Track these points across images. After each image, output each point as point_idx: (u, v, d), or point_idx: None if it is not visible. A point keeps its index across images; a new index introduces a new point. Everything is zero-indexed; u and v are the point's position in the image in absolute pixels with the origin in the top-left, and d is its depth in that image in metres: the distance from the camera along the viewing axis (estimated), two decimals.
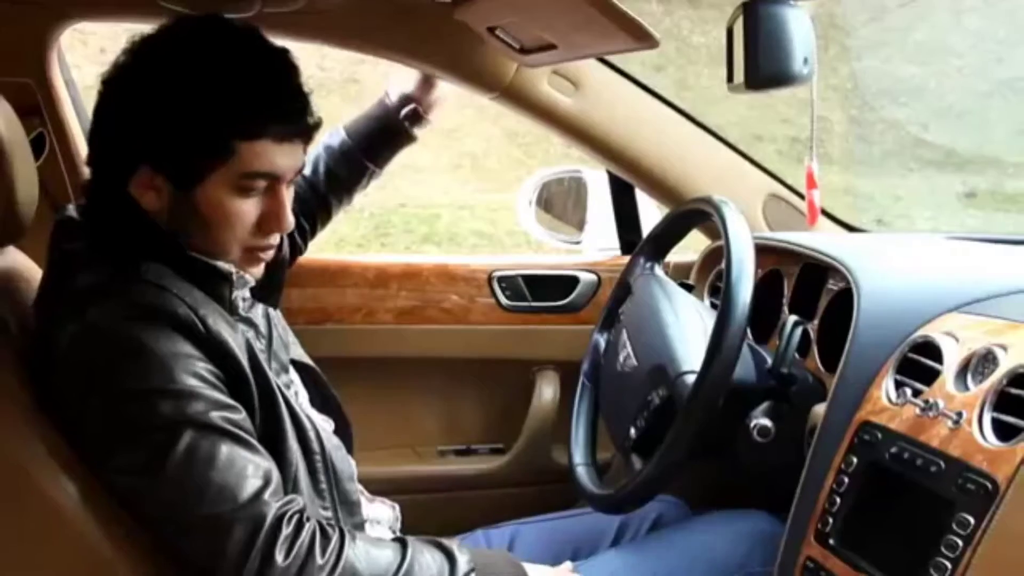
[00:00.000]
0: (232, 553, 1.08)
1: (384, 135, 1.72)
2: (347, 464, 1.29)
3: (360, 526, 1.29)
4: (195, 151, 1.16)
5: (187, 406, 1.09)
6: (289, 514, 1.12)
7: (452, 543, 1.24)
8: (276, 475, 1.15)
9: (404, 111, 1.72)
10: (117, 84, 1.20)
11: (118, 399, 1.10)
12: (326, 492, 1.26)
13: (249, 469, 1.11)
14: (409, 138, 1.73)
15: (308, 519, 1.14)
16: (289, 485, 1.20)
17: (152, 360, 1.10)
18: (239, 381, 1.16)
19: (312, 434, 1.25)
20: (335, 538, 1.14)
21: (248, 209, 1.20)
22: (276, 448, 1.19)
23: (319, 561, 1.11)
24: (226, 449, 1.10)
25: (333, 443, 1.28)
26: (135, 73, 1.19)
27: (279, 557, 1.09)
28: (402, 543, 1.20)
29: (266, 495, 1.11)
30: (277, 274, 1.34)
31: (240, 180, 1.18)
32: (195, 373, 1.11)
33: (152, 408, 1.09)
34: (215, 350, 1.14)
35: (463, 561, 1.21)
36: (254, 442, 1.15)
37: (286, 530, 1.10)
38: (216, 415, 1.11)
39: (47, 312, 1.19)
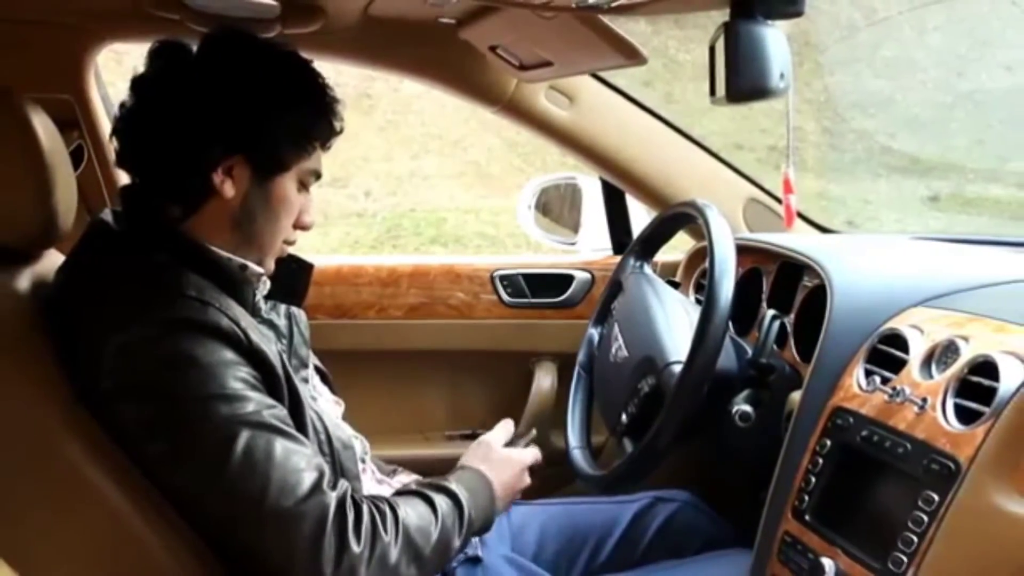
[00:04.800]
0: (304, 547, 1.06)
1: None
2: (354, 465, 1.28)
3: None
4: (288, 145, 1.21)
5: (240, 407, 1.08)
6: (347, 499, 1.10)
7: (447, 480, 1.27)
8: (326, 464, 1.14)
9: None
10: (192, 85, 1.19)
11: (174, 407, 1.08)
12: None
13: (303, 462, 1.10)
14: None
15: (360, 499, 1.13)
16: None
17: (202, 368, 1.08)
18: (275, 387, 1.15)
19: (324, 436, 1.23)
20: (387, 509, 1.14)
21: (298, 204, 1.25)
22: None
23: (386, 537, 1.11)
24: (280, 445, 1.09)
25: (343, 442, 1.27)
26: (214, 75, 1.19)
27: (353, 545, 1.08)
28: (419, 495, 1.21)
29: (324, 485, 1.09)
30: (301, 278, 1.35)
31: (306, 176, 1.25)
32: (241, 378, 1.10)
33: (207, 412, 1.07)
34: (255, 359, 1.13)
35: (463, 496, 1.24)
36: (301, 436, 1.14)
37: (350, 516, 1.09)
38: (267, 413, 1.10)
39: (87, 315, 1.15)
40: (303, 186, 1.25)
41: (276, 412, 1.12)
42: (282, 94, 1.21)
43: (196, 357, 1.08)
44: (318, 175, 1.27)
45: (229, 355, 1.10)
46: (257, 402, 1.10)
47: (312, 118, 1.22)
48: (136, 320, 1.10)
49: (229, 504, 1.09)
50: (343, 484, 1.14)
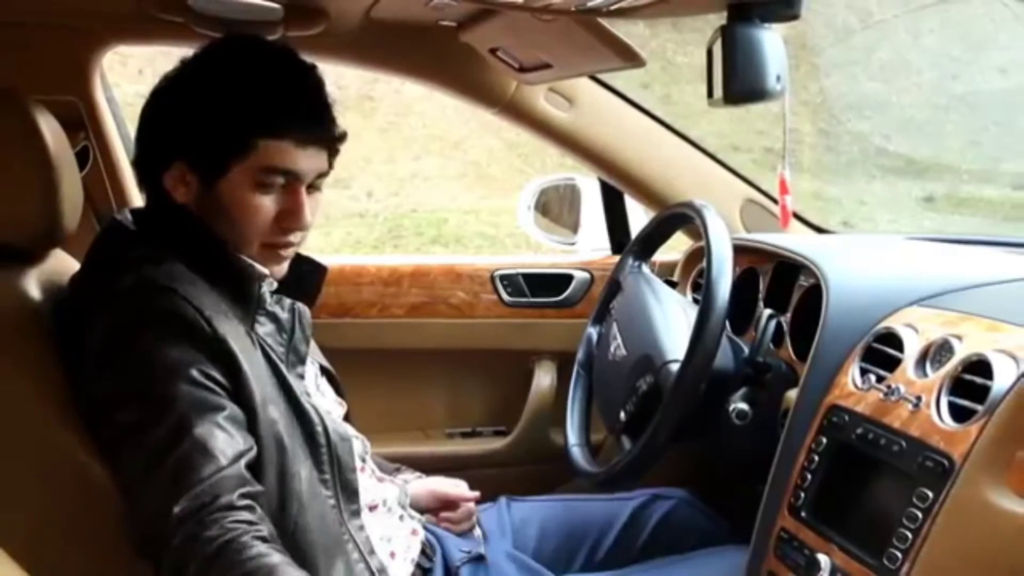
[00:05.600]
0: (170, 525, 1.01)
1: None
2: (351, 457, 1.26)
3: (357, 513, 1.25)
4: (220, 146, 1.17)
5: (176, 410, 1.06)
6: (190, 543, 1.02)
7: None
8: (221, 486, 1.05)
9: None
10: (162, 92, 1.23)
11: (119, 400, 1.09)
12: (330, 482, 1.22)
13: (190, 486, 1.03)
14: None
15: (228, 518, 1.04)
16: (293, 476, 1.16)
17: (155, 365, 1.08)
18: (239, 382, 1.13)
19: (320, 428, 1.21)
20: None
21: (266, 204, 1.20)
22: (280, 441, 1.15)
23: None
24: (183, 453, 1.04)
25: (340, 435, 1.25)
26: (177, 81, 1.22)
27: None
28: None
29: (179, 518, 1.02)
30: (312, 279, 1.34)
31: (259, 175, 1.18)
32: (191, 379, 1.08)
33: (143, 410, 1.07)
34: (218, 351, 1.11)
35: None
36: (232, 440, 1.08)
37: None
38: (201, 418, 1.07)
39: (84, 308, 1.16)
40: (263, 186, 1.19)
41: (215, 417, 1.08)
42: (210, 95, 1.18)
43: (150, 353, 1.09)
44: (288, 173, 1.19)
45: (186, 354, 1.09)
46: (197, 405, 1.07)
47: (244, 114, 1.17)
48: (109, 311, 1.12)
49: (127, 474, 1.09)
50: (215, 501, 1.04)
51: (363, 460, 1.34)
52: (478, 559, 1.40)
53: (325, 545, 1.17)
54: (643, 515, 1.56)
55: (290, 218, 1.21)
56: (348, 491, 1.24)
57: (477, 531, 1.48)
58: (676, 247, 1.93)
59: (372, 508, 1.31)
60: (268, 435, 1.15)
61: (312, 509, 1.17)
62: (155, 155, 1.22)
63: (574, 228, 2.19)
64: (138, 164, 1.27)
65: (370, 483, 1.34)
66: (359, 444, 1.33)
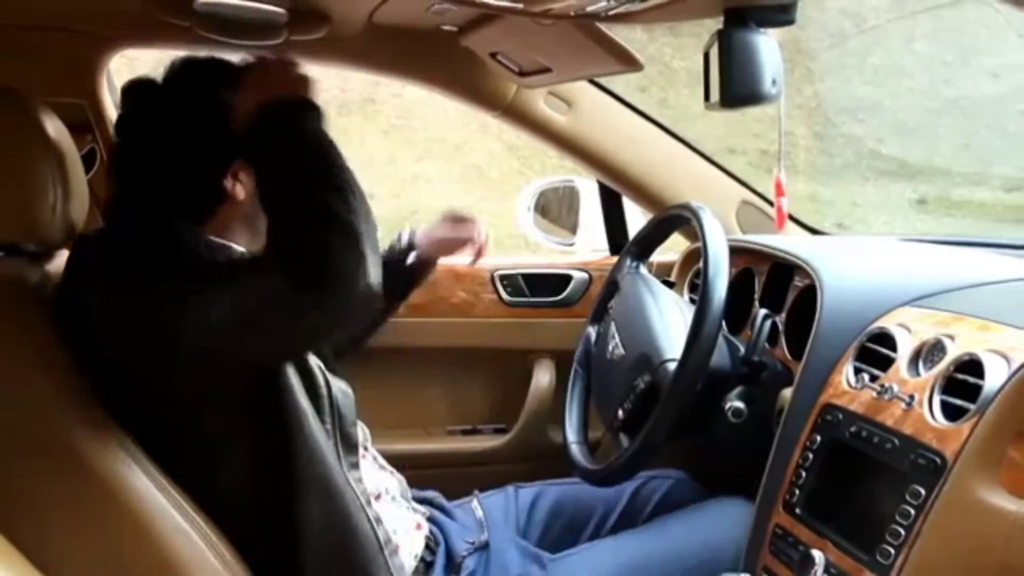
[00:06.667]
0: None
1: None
2: (351, 411, 1.28)
3: (356, 465, 1.28)
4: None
5: (233, 306, 1.10)
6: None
7: None
8: None
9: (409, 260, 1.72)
10: (198, 103, 1.24)
11: (151, 314, 1.11)
12: (330, 431, 1.24)
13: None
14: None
15: None
16: (295, 428, 1.19)
17: (167, 298, 1.11)
18: None
19: (321, 379, 1.24)
20: None
21: None
22: (282, 398, 1.19)
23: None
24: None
25: (341, 389, 1.28)
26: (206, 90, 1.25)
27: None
28: None
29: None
30: None
31: None
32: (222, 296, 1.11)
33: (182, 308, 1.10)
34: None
35: None
36: None
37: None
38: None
39: (83, 305, 1.17)
40: None
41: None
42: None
43: (162, 291, 1.12)
44: None
45: (200, 290, 1.12)
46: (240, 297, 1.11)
47: None
48: (112, 279, 1.14)
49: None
50: None
51: (365, 448, 1.35)
52: (482, 548, 1.41)
53: (324, 488, 1.20)
54: (643, 493, 1.58)
55: None
56: (347, 443, 1.27)
57: (479, 513, 1.49)
58: (674, 248, 1.93)
59: (377, 497, 1.32)
60: (272, 392, 1.18)
61: (315, 453, 1.19)
62: (211, 163, 1.24)
63: (573, 229, 2.19)
64: (185, 175, 1.24)
65: (371, 471, 1.34)
66: (360, 433, 1.34)
